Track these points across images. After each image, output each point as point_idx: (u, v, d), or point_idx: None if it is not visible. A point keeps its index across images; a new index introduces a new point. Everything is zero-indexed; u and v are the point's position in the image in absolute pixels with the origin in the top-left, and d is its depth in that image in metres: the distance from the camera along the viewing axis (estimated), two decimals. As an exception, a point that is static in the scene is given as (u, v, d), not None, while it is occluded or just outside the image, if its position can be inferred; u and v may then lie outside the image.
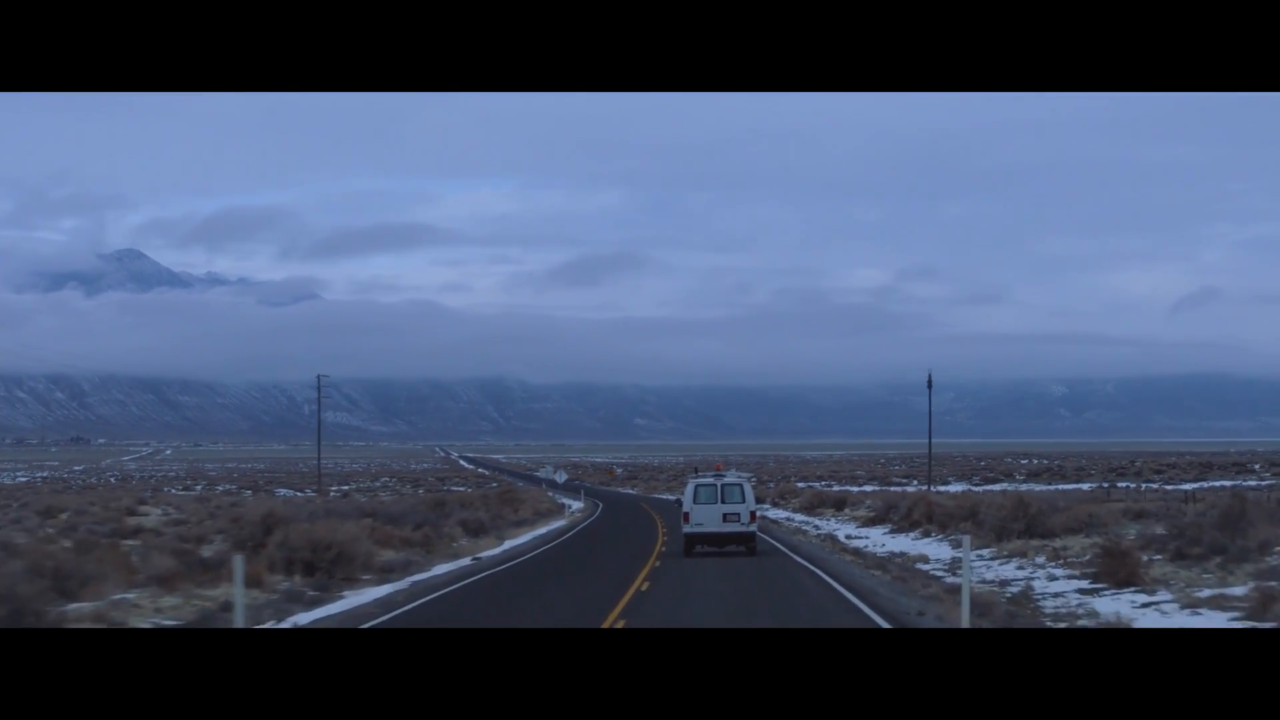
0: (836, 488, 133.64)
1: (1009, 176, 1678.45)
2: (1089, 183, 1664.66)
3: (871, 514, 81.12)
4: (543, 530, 79.34)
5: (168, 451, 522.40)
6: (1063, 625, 28.45)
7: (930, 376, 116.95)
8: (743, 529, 53.25)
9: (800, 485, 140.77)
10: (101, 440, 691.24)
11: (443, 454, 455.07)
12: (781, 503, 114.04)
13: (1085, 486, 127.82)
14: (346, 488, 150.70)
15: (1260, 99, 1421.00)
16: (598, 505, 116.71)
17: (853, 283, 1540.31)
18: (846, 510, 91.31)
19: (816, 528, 76.79)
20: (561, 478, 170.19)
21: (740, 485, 54.28)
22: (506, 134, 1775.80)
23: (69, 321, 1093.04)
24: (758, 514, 56.00)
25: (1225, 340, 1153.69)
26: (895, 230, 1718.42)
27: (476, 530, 68.09)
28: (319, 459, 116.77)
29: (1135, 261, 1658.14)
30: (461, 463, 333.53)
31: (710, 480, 54.16)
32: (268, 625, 30.81)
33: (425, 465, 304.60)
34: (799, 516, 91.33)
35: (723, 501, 53.47)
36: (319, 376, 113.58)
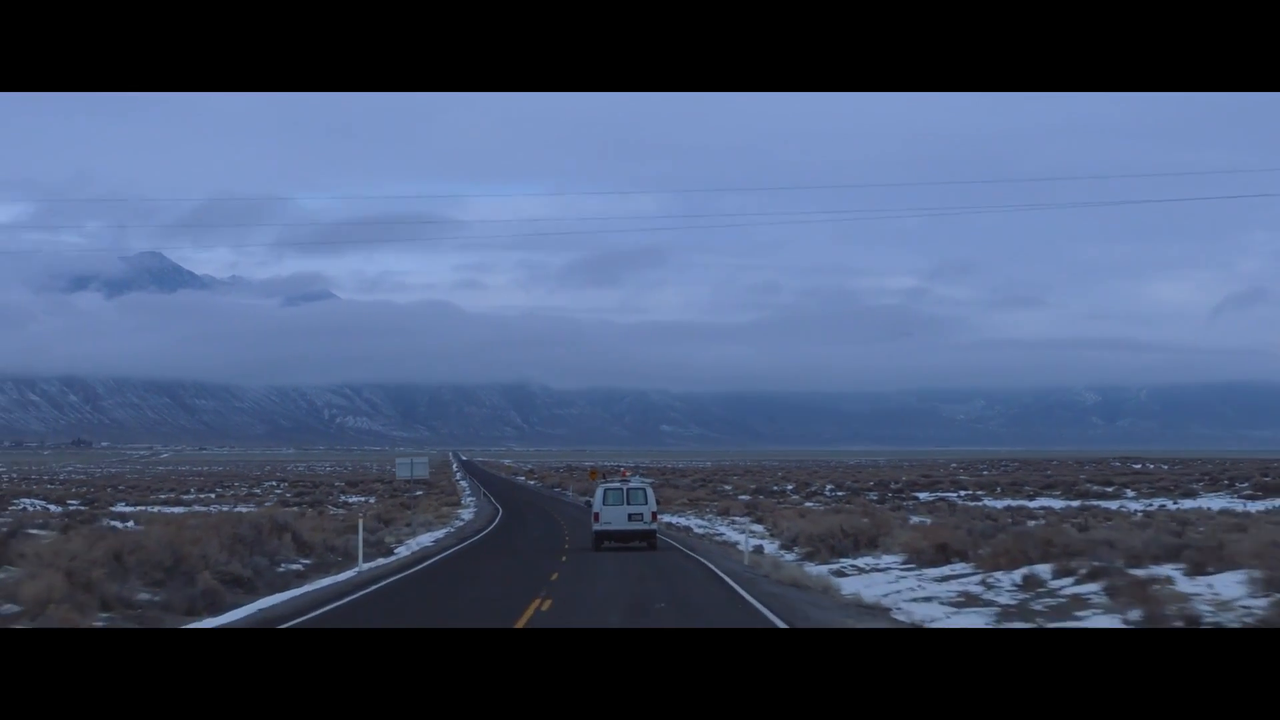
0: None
1: (1045, 180, 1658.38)
2: (1126, 187, 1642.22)
3: None
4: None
5: (165, 454, 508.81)
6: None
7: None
8: (645, 527, 59.18)
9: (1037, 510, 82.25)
10: (105, 443, 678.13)
11: (450, 457, 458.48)
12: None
13: None
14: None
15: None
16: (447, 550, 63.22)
17: (883, 285, 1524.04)
18: None
19: None
20: (406, 471, 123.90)
21: (644, 489, 59.97)
22: (539, 138, 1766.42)
23: (85, 324, 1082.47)
24: (658, 514, 61.96)
25: (1261, 348, 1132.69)
26: (928, 233, 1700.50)
27: None
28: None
29: (1171, 268, 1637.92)
30: (453, 466, 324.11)
31: (618, 485, 59.94)
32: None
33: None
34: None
35: (628, 503, 59.22)
36: None
